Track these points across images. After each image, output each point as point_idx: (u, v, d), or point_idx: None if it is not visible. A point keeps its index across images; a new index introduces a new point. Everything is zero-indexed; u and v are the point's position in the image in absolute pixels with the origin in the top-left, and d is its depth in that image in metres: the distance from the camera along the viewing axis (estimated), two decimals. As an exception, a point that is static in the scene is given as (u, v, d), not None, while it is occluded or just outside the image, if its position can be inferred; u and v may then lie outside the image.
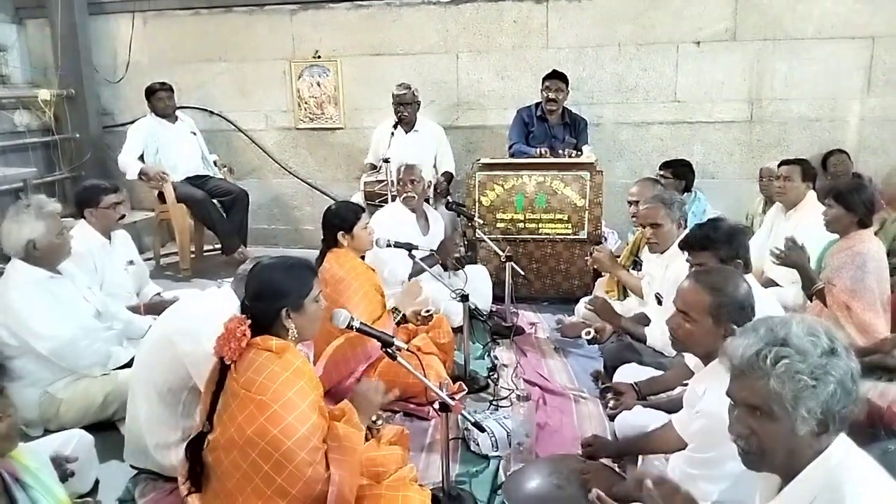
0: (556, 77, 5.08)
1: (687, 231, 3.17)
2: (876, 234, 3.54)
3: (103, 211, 3.72)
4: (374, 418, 2.35)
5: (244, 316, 2.05)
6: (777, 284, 3.90)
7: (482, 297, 4.29)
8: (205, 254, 5.99)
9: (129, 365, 3.07)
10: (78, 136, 6.16)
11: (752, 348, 1.33)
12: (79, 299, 3.15)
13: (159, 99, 5.45)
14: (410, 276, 3.90)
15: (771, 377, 1.29)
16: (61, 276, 3.10)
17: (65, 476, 1.92)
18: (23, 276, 2.97)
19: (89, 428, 2.79)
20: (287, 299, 2.09)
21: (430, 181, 4.70)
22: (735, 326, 1.99)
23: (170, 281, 5.28)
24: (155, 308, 3.65)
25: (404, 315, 3.40)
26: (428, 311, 3.48)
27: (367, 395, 2.26)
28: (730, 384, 1.40)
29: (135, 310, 3.63)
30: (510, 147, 5.19)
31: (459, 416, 2.66)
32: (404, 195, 4.22)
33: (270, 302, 2.07)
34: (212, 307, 2.55)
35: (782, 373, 1.28)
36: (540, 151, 4.81)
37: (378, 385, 2.31)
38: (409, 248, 3.53)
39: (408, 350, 2.35)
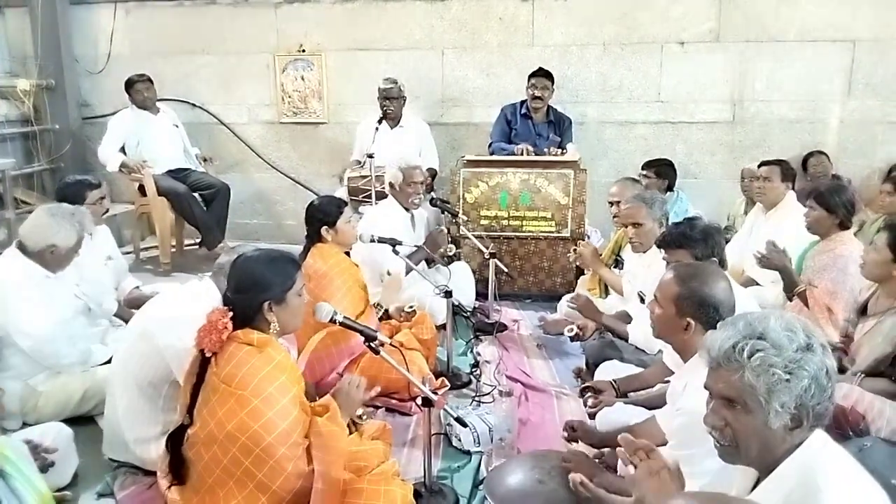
0: (542, 75, 5.09)
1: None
2: (855, 235, 3.58)
3: (90, 207, 3.69)
4: (358, 412, 2.36)
5: (226, 308, 2.03)
6: (757, 284, 3.94)
7: (465, 294, 4.29)
8: (185, 248, 5.93)
9: (109, 362, 3.03)
10: (57, 127, 6.09)
11: (729, 341, 1.35)
12: (69, 298, 3.13)
13: (138, 91, 5.39)
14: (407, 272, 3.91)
15: (746, 369, 1.31)
16: (54, 277, 3.08)
17: (44, 467, 1.89)
18: (20, 270, 2.96)
19: (67, 421, 2.76)
20: (270, 292, 2.07)
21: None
22: (692, 322, 2.04)
23: (150, 275, 5.23)
24: (135, 302, 3.62)
25: (387, 311, 3.39)
26: (411, 307, 3.48)
27: (350, 392, 2.26)
28: (707, 376, 1.42)
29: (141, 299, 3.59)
30: (490, 145, 5.19)
31: (442, 412, 2.68)
32: (416, 197, 4.18)
33: (253, 295, 2.06)
34: (192, 300, 2.53)
35: (757, 366, 1.31)
36: (520, 149, 4.81)
37: (360, 381, 2.31)
38: (394, 243, 3.51)
39: (391, 345, 2.34)
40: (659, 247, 2.85)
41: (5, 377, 2.90)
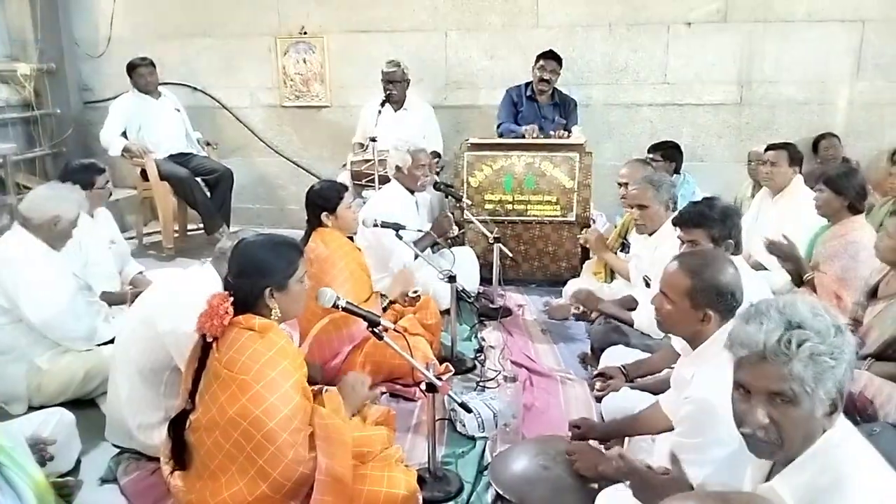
0: (552, 57, 5.02)
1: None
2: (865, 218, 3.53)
3: (97, 192, 3.74)
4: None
5: (227, 293, 2.01)
6: (764, 268, 3.90)
7: (469, 279, 4.26)
8: (188, 233, 5.91)
9: (112, 342, 3.04)
10: (59, 111, 6.04)
11: (773, 334, 1.30)
12: (69, 275, 3.14)
13: (140, 75, 5.35)
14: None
15: (794, 361, 1.28)
16: (58, 254, 3.10)
17: (43, 460, 1.88)
18: (26, 246, 2.98)
19: (70, 406, 2.77)
20: (271, 278, 2.05)
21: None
22: (711, 313, 1.99)
23: (153, 260, 5.22)
24: (138, 287, 3.61)
25: (390, 300, 3.38)
26: (415, 292, 3.45)
27: (355, 387, 2.27)
28: (743, 374, 1.36)
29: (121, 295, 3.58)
30: (498, 126, 5.14)
31: (446, 397, 2.66)
32: (423, 179, 4.13)
33: (254, 280, 2.04)
34: (192, 286, 2.51)
35: (807, 356, 1.27)
36: (528, 130, 4.76)
37: (365, 379, 2.33)
38: (397, 227, 3.48)
39: (395, 330, 2.32)
40: (675, 225, 2.81)
41: (10, 359, 2.92)
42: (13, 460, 1.53)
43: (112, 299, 3.47)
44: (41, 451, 1.87)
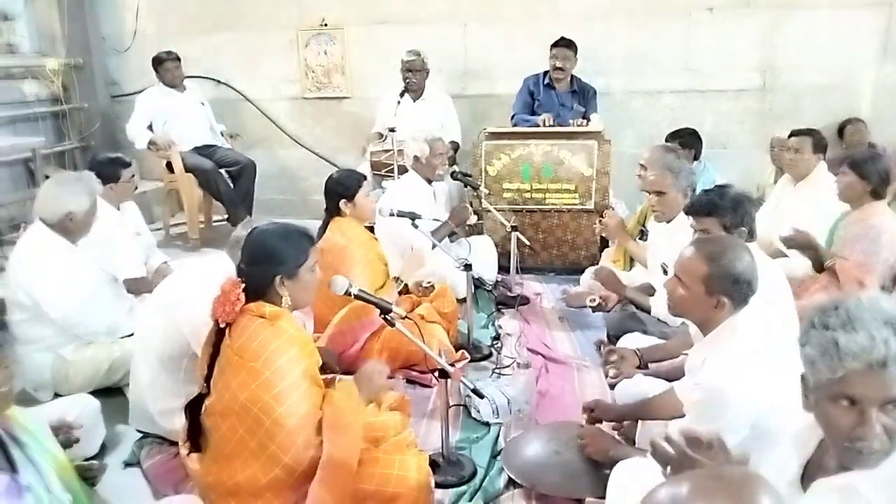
0: (564, 45, 5.00)
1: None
2: (889, 205, 3.49)
3: (124, 185, 3.79)
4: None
5: (239, 280, 2.05)
6: (785, 255, 3.86)
7: (488, 268, 4.29)
8: (214, 223, 6.01)
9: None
10: (86, 105, 6.16)
11: (892, 341, 1.22)
12: (91, 269, 3.18)
13: (167, 70, 5.44)
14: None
15: None
16: (78, 248, 3.13)
17: (69, 443, 1.94)
18: (45, 243, 3.01)
19: (96, 393, 2.84)
20: (282, 267, 2.08)
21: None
22: (725, 300, 1.98)
23: (179, 250, 5.32)
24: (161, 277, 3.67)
25: (406, 285, 3.40)
26: (429, 283, 3.49)
27: (372, 376, 2.28)
28: (857, 386, 1.26)
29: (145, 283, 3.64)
30: (512, 117, 5.14)
31: (461, 384, 2.69)
32: (440, 169, 4.18)
33: (265, 267, 2.07)
34: (208, 274, 2.56)
35: None
36: (542, 119, 4.75)
37: (383, 369, 2.33)
38: (413, 216, 3.51)
39: (407, 317, 2.35)
40: (687, 214, 2.79)
41: (36, 349, 2.97)
42: (36, 441, 1.59)
43: (136, 287, 3.53)
44: (66, 434, 1.93)
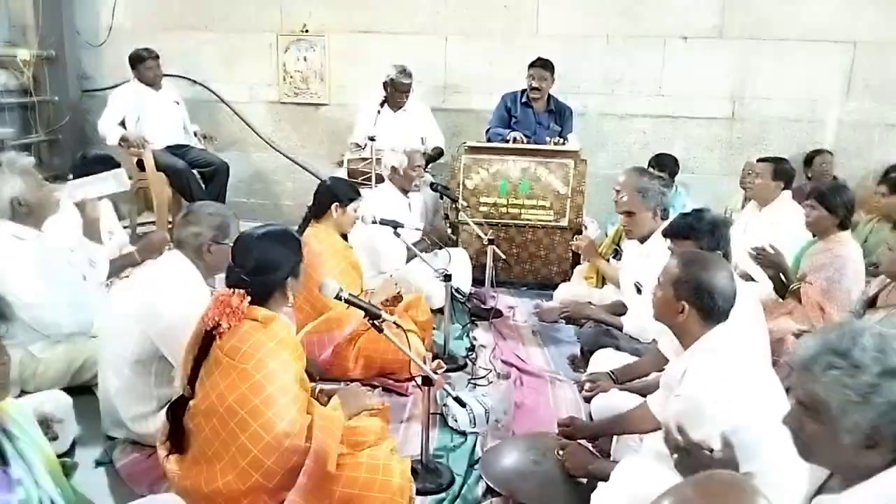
0: (541, 66, 5.08)
1: (668, 222, 3.22)
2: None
3: None
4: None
5: (242, 291, 2.06)
6: (752, 279, 3.98)
7: (462, 280, 4.32)
8: (182, 224, 5.91)
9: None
10: (56, 98, 6.04)
11: (810, 350, 1.32)
12: (63, 264, 3.10)
13: (148, 68, 5.36)
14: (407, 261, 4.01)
15: (818, 383, 1.29)
16: (46, 236, 3.05)
17: (48, 439, 1.90)
18: (12, 235, 2.92)
19: (66, 391, 2.76)
20: (289, 269, 2.15)
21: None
22: (686, 306, 2.03)
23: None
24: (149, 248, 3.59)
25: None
26: (396, 286, 3.52)
27: (358, 394, 2.35)
28: (793, 377, 1.39)
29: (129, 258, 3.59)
30: (487, 131, 5.20)
31: (438, 393, 2.71)
32: (417, 180, 4.26)
33: (275, 274, 2.12)
34: (167, 278, 2.57)
35: (828, 382, 1.28)
36: (511, 137, 4.82)
37: (368, 392, 2.43)
38: (395, 225, 3.54)
39: (395, 323, 2.37)
40: (665, 237, 2.86)
41: (6, 345, 2.87)
42: (26, 433, 1.56)
43: (122, 263, 3.49)
44: (47, 429, 1.90)
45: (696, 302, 2.04)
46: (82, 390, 2.96)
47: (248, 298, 2.05)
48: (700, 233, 2.73)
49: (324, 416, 2.11)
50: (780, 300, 3.56)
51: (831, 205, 3.38)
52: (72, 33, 6.05)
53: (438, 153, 5.30)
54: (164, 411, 2.29)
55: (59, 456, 2.27)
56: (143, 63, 5.35)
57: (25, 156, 3.11)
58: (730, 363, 1.99)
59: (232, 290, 2.07)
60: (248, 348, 2.03)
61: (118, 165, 3.77)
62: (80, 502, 1.72)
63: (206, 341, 2.09)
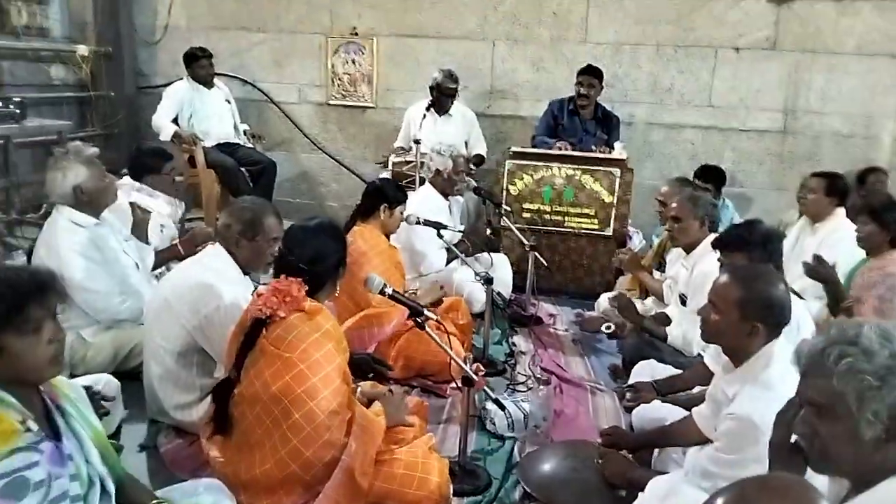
0: (590, 73, 5.06)
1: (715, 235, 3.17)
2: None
3: (163, 177, 3.81)
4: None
5: (300, 280, 2.09)
6: (801, 297, 3.89)
7: (503, 285, 4.30)
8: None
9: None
10: (112, 94, 6.19)
11: (818, 346, 1.30)
12: (119, 253, 3.18)
13: (201, 66, 5.47)
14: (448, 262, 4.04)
15: (834, 375, 1.26)
16: (104, 225, 3.14)
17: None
18: (71, 221, 3.02)
19: (114, 375, 2.83)
20: (342, 257, 2.24)
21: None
22: (761, 325, 1.99)
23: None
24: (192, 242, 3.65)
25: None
26: (441, 289, 3.53)
27: (399, 405, 2.37)
28: (798, 384, 1.37)
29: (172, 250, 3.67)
30: (533, 138, 5.19)
31: (477, 396, 2.71)
32: (460, 184, 4.28)
33: (330, 263, 2.19)
34: (205, 273, 2.62)
35: (844, 371, 1.25)
36: (558, 146, 4.80)
37: (410, 400, 2.49)
38: (439, 226, 3.55)
39: (437, 321, 2.37)
40: (715, 247, 2.80)
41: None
42: (78, 410, 1.60)
43: (167, 256, 3.57)
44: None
45: (769, 319, 1.98)
46: (129, 376, 3.02)
47: (306, 288, 2.07)
48: (752, 245, 2.65)
49: (366, 416, 2.12)
50: (833, 318, 3.47)
51: (883, 220, 3.29)
52: (129, 31, 6.21)
53: (479, 161, 5.30)
54: (208, 398, 2.32)
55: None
56: (196, 62, 5.47)
57: (90, 146, 3.21)
58: (784, 381, 1.93)
59: (287, 279, 2.09)
60: (293, 338, 2.05)
61: (171, 157, 3.87)
62: (128, 480, 1.75)
63: (254, 329, 2.11)
